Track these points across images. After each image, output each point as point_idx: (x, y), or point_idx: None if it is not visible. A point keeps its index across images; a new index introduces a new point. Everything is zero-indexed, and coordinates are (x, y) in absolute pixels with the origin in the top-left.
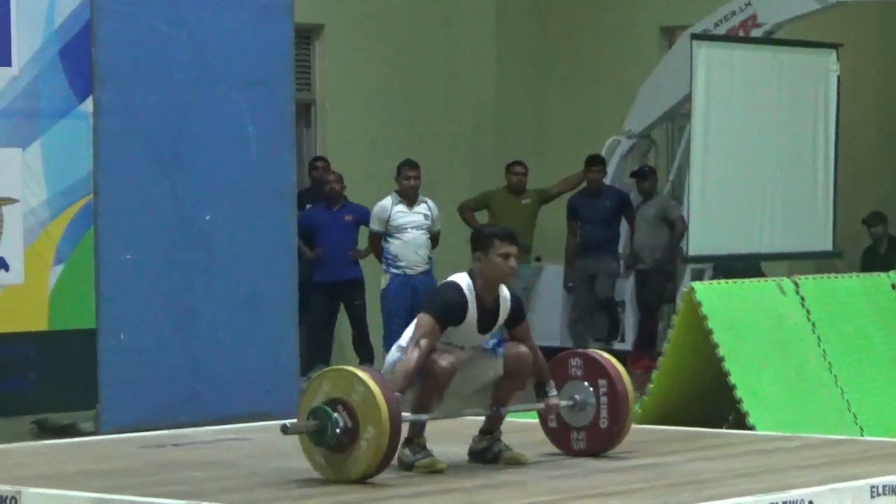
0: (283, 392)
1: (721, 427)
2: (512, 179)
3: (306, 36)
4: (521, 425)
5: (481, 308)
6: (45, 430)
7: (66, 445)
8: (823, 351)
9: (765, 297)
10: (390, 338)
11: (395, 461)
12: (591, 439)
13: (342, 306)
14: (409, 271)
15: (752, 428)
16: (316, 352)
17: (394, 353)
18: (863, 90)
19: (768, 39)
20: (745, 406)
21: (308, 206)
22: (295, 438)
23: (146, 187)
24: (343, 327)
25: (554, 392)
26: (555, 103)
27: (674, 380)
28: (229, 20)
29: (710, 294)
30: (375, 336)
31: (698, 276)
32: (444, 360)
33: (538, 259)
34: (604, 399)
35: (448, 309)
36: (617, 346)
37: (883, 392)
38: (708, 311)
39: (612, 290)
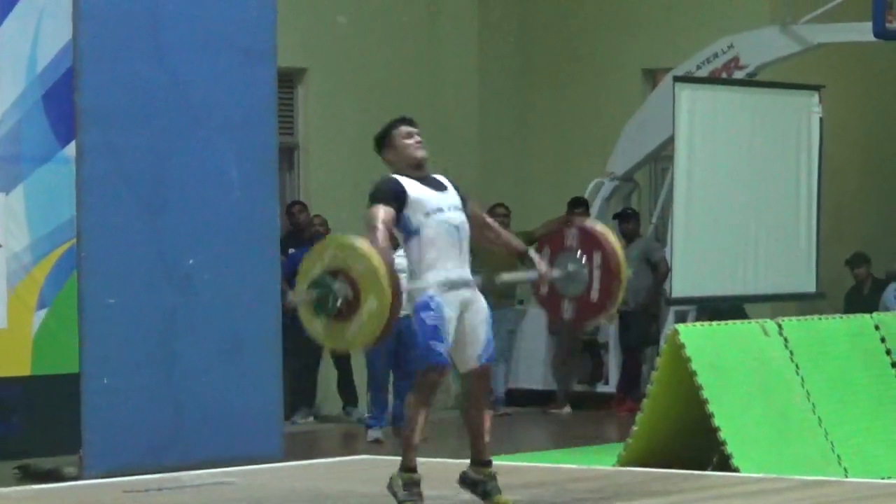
0: (267, 435)
1: (705, 469)
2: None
3: (289, 80)
4: (510, 468)
5: (418, 180)
6: (29, 476)
7: (49, 491)
8: (807, 392)
9: (748, 338)
10: (373, 380)
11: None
12: (580, 310)
13: (327, 350)
14: None
15: (736, 470)
16: (300, 395)
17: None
18: (845, 132)
19: (751, 81)
20: (730, 448)
21: (291, 249)
22: (280, 483)
23: (129, 231)
24: (327, 371)
25: (537, 258)
26: (538, 145)
27: (658, 422)
28: (212, 64)
29: (694, 336)
30: (359, 379)
31: (682, 317)
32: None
33: (521, 302)
34: (597, 272)
35: (386, 189)
36: (600, 388)
37: (866, 433)
38: (692, 353)
39: (595, 332)
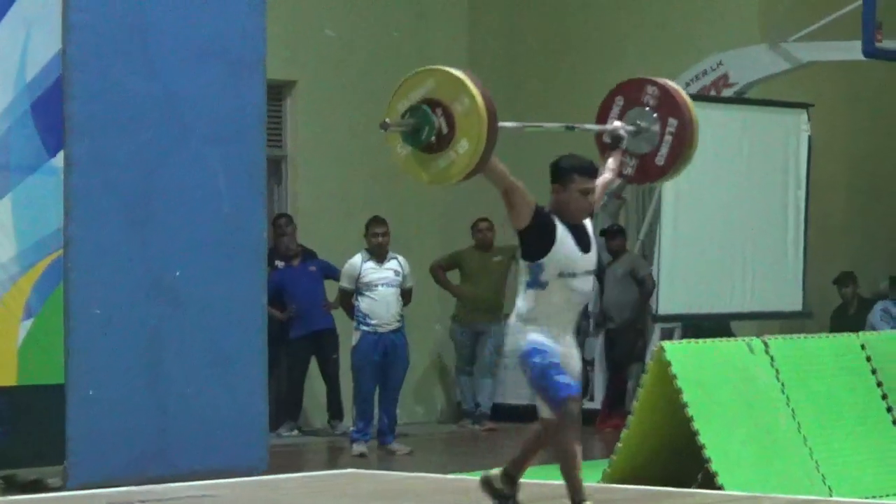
0: (252, 448)
1: (690, 486)
2: (477, 236)
3: (278, 92)
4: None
5: (572, 229)
6: (13, 486)
7: (33, 501)
8: (792, 411)
9: (734, 356)
10: (360, 395)
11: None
12: (641, 170)
13: (314, 361)
14: (379, 329)
15: (720, 487)
16: (286, 408)
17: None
18: (834, 150)
19: (740, 99)
20: (714, 466)
21: (277, 262)
22: (265, 496)
23: (116, 242)
24: (312, 384)
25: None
26: (525, 162)
27: (643, 439)
28: (201, 76)
29: (680, 353)
30: (344, 392)
31: (668, 334)
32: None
33: (507, 317)
34: (668, 138)
35: (542, 208)
36: (586, 404)
37: (851, 452)
38: (677, 371)
39: (581, 348)
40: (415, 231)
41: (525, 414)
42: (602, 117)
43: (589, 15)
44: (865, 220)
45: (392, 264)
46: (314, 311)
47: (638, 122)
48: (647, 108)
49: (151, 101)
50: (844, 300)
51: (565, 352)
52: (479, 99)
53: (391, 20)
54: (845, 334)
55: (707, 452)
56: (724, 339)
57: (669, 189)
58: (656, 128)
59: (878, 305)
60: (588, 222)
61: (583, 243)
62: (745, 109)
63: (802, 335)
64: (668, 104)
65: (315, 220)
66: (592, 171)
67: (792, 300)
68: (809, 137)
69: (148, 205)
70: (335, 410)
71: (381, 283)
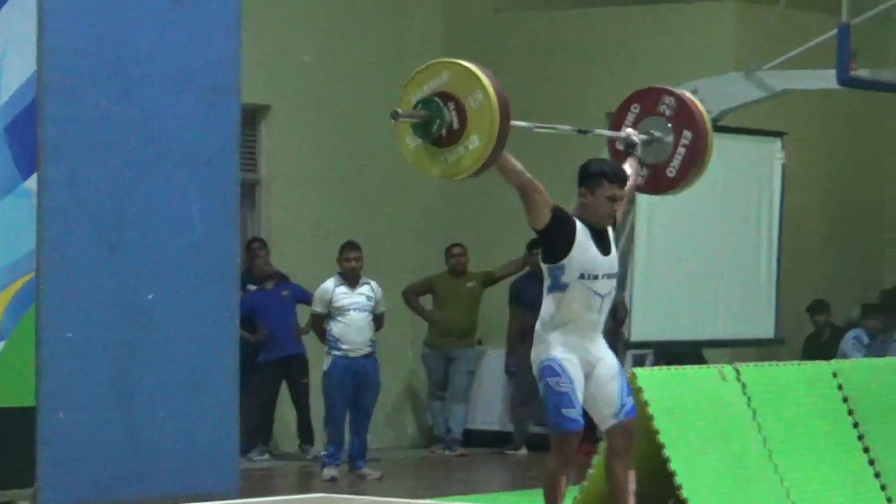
0: (223, 472)
1: None
2: (451, 262)
3: (252, 116)
4: None
5: (594, 232)
6: None
7: None
8: (764, 438)
9: (706, 383)
10: (331, 420)
11: None
12: (651, 180)
13: (285, 385)
14: (351, 353)
15: None
16: (256, 432)
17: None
18: (808, 179)
19: (714, 127)
20: (685, 492)
21: (249, 286)
22: None
23: (89, 265)
24: (283, 408)
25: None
26: (501, 186)
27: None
28: (176, 99)
29: (652, 380)
30: (316, 417)
31: (640, 361)
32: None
33: (479, 342)
34: (681, 150)
35: (564, 212)
36: None
37: (823, 480)
38: (649, 397)
39: None
40: (388, 256)
41: (496, 440)
42: (617, 123)
43: (562, 42)
44: (838, 248)
45: (364, 289)
46: (285, 335)
47: (652, 131)
48: (663, 118)
49: (125, 125)
50: (817, 328)
51: (586, 359)
52: (493, 96)
53: (367, 46)
54: (817, 362)
55: (678, 479)
56: (696, 367)
57: (642, 216)
58: (670, 139)
59: (851, 333)
60: (609, 228)
61: (603, 246)
62: (719, 137)
63: (774, 363)
64: (684, 116)
65: (288, 245)
66: (622, 179)
67: (764, 327)
68: (783, 166)
69: (121, 228)
70: (306, 435)
71: (353, 307)
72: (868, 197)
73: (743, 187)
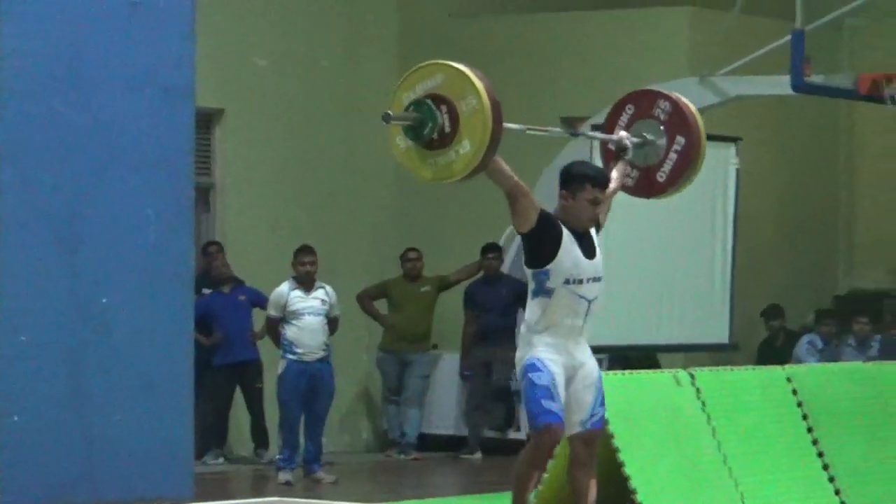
0: (178, 475)
1: None
2: (406, 266)
3: (207, 120)
4: None
5: (577, 236)
6: None
7: None
8: (718, 443)
9: (660, 388)
10: (286, 424)
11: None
12: (641, 183)
13: (239, 390)
14: (305, 357)
15: None
16: (211, 436)
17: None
18: (762, 184)
19: None
20: (640, 497)
21: (204, 289)
22: None
23: (44, 268)
24: (238, 412)
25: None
26: (455, 190)
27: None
28: (131, 103)
29: (606, 384)
30: (270, 421)
31: None
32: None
33: (435, 346)
34: (673, 156)
35: (550, 215)
36: (512, 434)
37: (777, 484)
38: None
39: (508, 378)
40: (343, 259)
41: (451, 444)
42: (610, 124)
43: (517, 46)
44: (792, 253)
45: (319, 293)
46: (240, 340)
47: (644, 134)
48: (657, 122)
49: (81, 128)
50: (771, 333)
51: (569, 364)
52: (486, 101)
53: (321, 51)
54: (772, 367)
55: (633, 483)
56: (650, 371)
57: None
58: (662, 142)
59: (805, 338)
60: (593, 231)
61: (588, 250)
62: None
63: (729, 368)
64: (678, 121)
65: (243, 248)
66: (604, 182)
67: (719, 333)
68: (738, 171)
69: (76, 231)
70: (260, 439)
71: (307, 311)
72: (822, 202)
73: (697, 193)
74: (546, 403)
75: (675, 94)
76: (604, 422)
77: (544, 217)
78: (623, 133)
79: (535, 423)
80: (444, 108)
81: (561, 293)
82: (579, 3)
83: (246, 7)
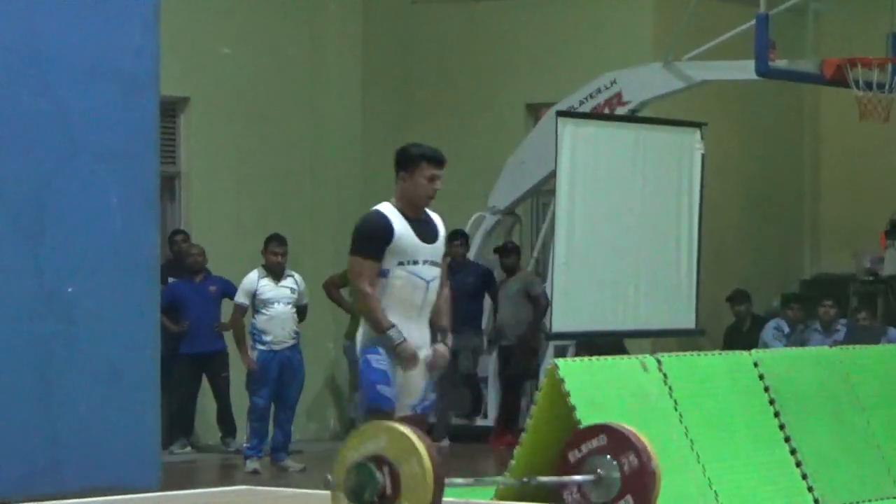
0: (144, 465)
1: None
2: None
3: (171, 109)
4: None
5: (409, 221)
6: None
7: None
8: (685, 428)
9: (627, 374)
10: (255, 411)
11: None
12: None
13: (205, 379)
14: (275, 346)
15: None
16: (178, 425)
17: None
18: (727, 169)
19: (633, 117)
20: None
21: (171, 279)
22: None
23: (8, 257)
24: (205, 400)
25: (448, 341)
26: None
27: (536, 456)
28: (95, 92)
29: (573, 371)
30: (237, 409)
31: (561, 352)
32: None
33: None
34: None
35: (370, 236)
36: (479, 422)
37: (744, 470)
38: (570, 388)
39: (475, 365)
40: (308, 248)
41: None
42: (580, 437)
43: (481, 33)
44: (758, 238)
45: (288, 282)
46: (207, 331)
47: (598, 468)
48: (618, 470)
49: (43, 118)
50: (738, 318)
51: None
52: (428, 465)
53: (285, 39)
54: (738, 352)
55: None
56: (617, 357)
57: (563, 207)
58: (616, 475)
59: (771, 323)
60: (439, 221)
61: (426, 236)
62: (638, 128)
63: (696, 353)
64: (638, 483)
65: (209, 237)
66: (440, 160)
67: (685, 318)
68: (703, 156)
69: (40, 221)
70: (227, 427)
71: (277, 300)
72: (787, 187)
73: (662, 178)
74: (381, 388)
75: (651, 455)
76: (429, 409)
77: (378, 240)
78: (440, 347)
79: (367, 404)
80: (385, 468)
81: (398, 275)
82: None
83: None
